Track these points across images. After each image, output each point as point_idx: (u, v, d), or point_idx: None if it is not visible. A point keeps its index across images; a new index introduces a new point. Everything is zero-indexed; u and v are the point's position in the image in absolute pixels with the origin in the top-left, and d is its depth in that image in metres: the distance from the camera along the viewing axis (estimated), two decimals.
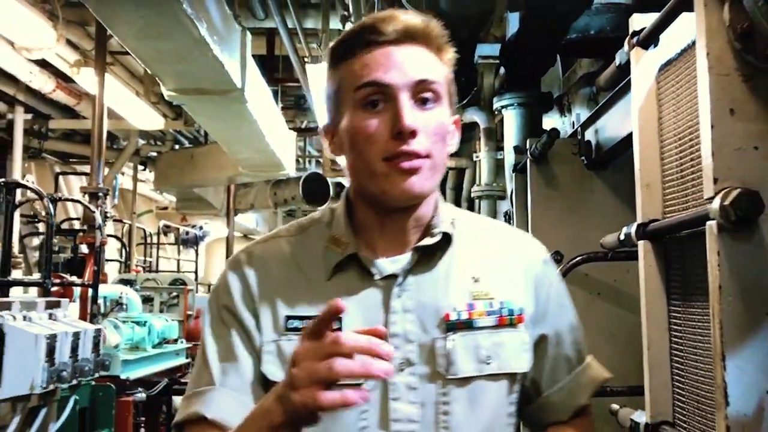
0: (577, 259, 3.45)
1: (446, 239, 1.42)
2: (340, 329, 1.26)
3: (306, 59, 5.97)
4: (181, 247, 15.21)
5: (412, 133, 1.30)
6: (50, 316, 3.15)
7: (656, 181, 2.48)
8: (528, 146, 4.43)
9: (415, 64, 1.34)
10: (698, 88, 2.05)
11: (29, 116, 8.08)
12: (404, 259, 1.40)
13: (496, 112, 5.93)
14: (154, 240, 13.83)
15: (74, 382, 3.11)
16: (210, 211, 11.33)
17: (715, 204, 1.90)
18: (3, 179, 4.28)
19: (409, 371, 1.34)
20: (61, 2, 5.55)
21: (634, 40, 2.58)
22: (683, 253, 2.33)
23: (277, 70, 7.65)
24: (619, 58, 2.82)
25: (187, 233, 15.94)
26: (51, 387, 2.95)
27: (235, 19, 4.92)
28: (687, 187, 2.26)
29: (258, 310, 1.38)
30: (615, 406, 2.86)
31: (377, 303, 1.37)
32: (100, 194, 5.19)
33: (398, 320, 1.36)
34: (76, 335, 3.15)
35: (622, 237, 2.72)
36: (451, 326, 1.36)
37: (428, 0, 4.48)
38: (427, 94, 1.34)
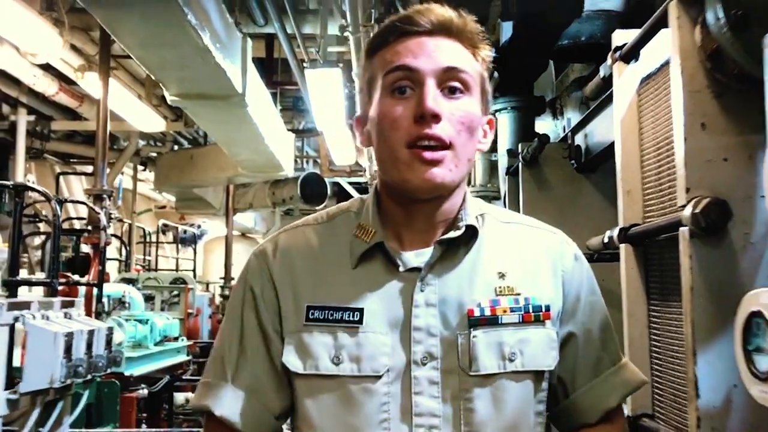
0: None
1: (471, 233, 1.40)
2: (360, 321, 1.32)
3: (304, 63, 6.10)
4: (179, 245, 15.36)
5: (435, 117, 1.28)
6: (66, 315, 3.31)
7: (637, 188, 2.63)
8: (520, 150, 4.58)
9: (445, 53, 1.33)
10: (672, 103, 2.20)
11: (32, 118, 8.21)
12: (428, 252, 1.37)
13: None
14: (153, 239, 13.98)
15: (89, 377, 3.27)
16: (209, 210, 11.47)
17: (687, 212, 2.05)
18: (11, 182, 4.43)
19: (431, 365, 1.32)
20: (66, 8, 5.70)
21: (617, 54, 2.73)
22: (661, 256, 2.48)
23: (276, 73, 7.79)
24: (603, 71, 2.97)
25: (185, 232, 16.07)
26: (68, 381, 3.12)
27: (236, 25, 5.07)
28: (665, 195, 2.40)
29: (280, 301, 1.38)
30: None
31: (401, 295, 1.35)
32: (105, 196, 5.35)
33: (421, 314, 1.34)
34: (91, 333, 3.32)
35: (605, 240, 2.87)
36: (473, 322, 1.34)
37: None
38: (456, 83, 1.33)
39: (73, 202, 5.39)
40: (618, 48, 2.73)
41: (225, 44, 4.58)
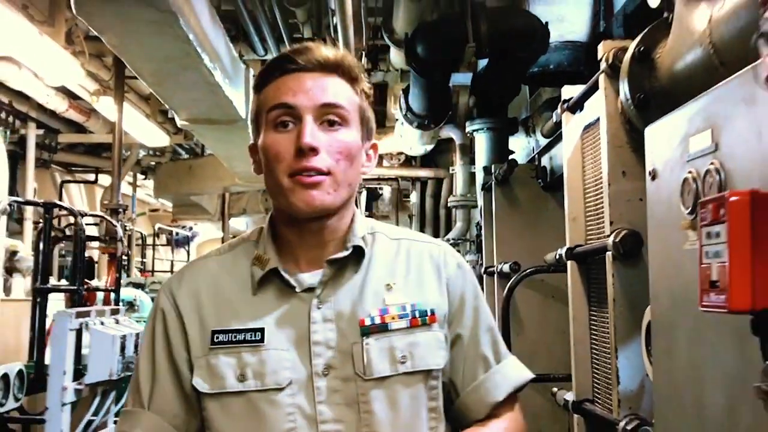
0: (527, 270, 4.20)
1: (358, 252, 1.48)
2: (262, 340, 1.41)
3: None
4: (172, 248, 15.90)
5: (313, 150, 1.37)
6: (116, 320, 3.90)
7: (580, 216, 3.23)
8: (493, 170, 5.17)
9: (323, 89, 1.41)
10: (601, 154, 2.81)
11: (40, 131, 8.74)
12: (321, 272, 1.45)
13: (468, 135, 6.67)
14: (149, 242, 14.51)
15: None
16: (204, 215, 12.02)
17: (610, 240, 2.66)
18: (42, 200, 5.00)
19: (332, 375, 1.41)
20: (81, 35, 6.21)
21: (565, 105, 3.34)
22: (598, 272, 3.07)
23: None
24: (555, 117, 3.58)
25: (177, 234, 16.60)
26: (122, 375, 3.71)
27: (240, 58, 5.64)
28: (600, 223, 2.99)
29: (187, 329, 1.45)
30: (555, 389, 3.61)
31: (299, 314, 1.43)
32: (120, 210, 5.91)
33: (319, 329, 1.42)
34: (137, 335, 3.91)
35: (557, 256, 3.48)
36: (365, 331, 1.42)
37: (407, 45, 5.15)
38: (333, 117, 1.41)
39: (93, 215, 5.92)
40: (566, 101, 3.33)
41: (231, 77, 5.15)
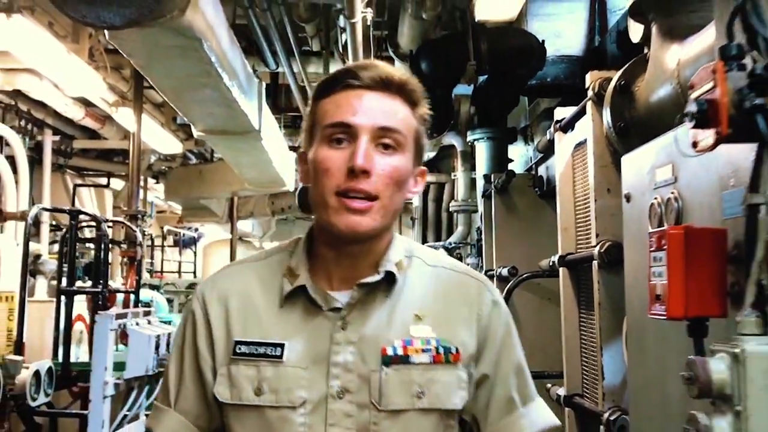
0: (524, 275, 4.52)
1: (390, 277, 1.45)
2: (281, 356, 1.41)
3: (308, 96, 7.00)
4: (179, 249, 16.25)
5: (365, 173, 1.35)
6: (148, 321, 4.24)
7: (571, 227, 3.55)
8: (493, 180, 5.48)
9: (382, 110, 1.40)
10: (588, 173, 3.13)
11: (56, 138, 9.06)
12: (350, 294, 1.43)
13: (469, 144, 6.99)
14: (157, 243, 14.84)
15: None
16: (212, 218, 12.34)
17: (596, 251, 2.97)
18: (68, 208, 5.30)
19: (347, 399, 1.39)
20: (102, 50, 6.52)
21: (558, 125, 3.66)
22: (587, 278, 3.39)
23: (281, 100, 8.66)
24: (548, 135, 3.90)
25: (184, 235, 16.94)
26: (157, 371, 4.04)
27: (253, 72, 5.96)
28: (588, 233, 3.31)
29: (214, 337, 1.46)
30: (549, 385, 3.92)
31: (323, 333, 1.41)
32: (139, 216, 6.23)
33: (340, 351, 1.40)
34: (169, 334, 4.23)
35: (550, 263, 3.80)
36: (386, 360, 1.39)
37: (412, 61, 5.46)
38: (389, 141, 1.39)
39: (114, 221, 6.24)
40: (558, 121, 3.65)
41: (246, 91, 5.45)
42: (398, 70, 1.45)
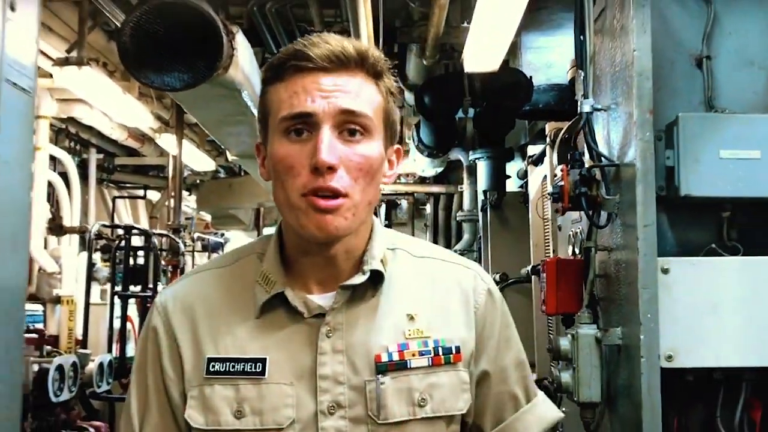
0: (510, 281, 5.36)
1: (376, 276, 1.32)
2: (263, 372, 1.25)
3: None
4: (208, 254, 17.18)
5: (330, 169, 1.21)
6: None
7: (540, 242, 4.39)
8: (488, 197, 6.32)
9: (344, 92, 1.24)
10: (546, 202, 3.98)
11: (101, 156, 10.01)
12: (333, 297, 1.30)
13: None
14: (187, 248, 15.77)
15: None
16: (240, 226, 13.32)
17: None
18: (123, 224, 6.21)
19: (339, 414, 1.25)
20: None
21: (530, 159, 4.50)
22: None
23: None
24: (524, 166, 4.75)
25: (210, 240, 17.88)
26: None
27: None
28: (548, 250, 4.14)
29: (182, 355, 1.30)
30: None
31: (306, 343, 1.28)
32: (181, 228, 7.14)
33: (327, 361, 1.26)
34: None
35: (525, 272, 4.64)
36: (381, 368, 1.27)
37: (416, 95, 6.30)
38: (354, 126, 1.25)
39: (159, 235, 7.16)
40: (530, 156, 4.50)
41: None
42: (353, 41, 1.29)
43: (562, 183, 2.04)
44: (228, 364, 1.27)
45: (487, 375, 1.37)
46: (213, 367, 1.27)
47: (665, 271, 1.92)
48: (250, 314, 1.30)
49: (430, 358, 1.30)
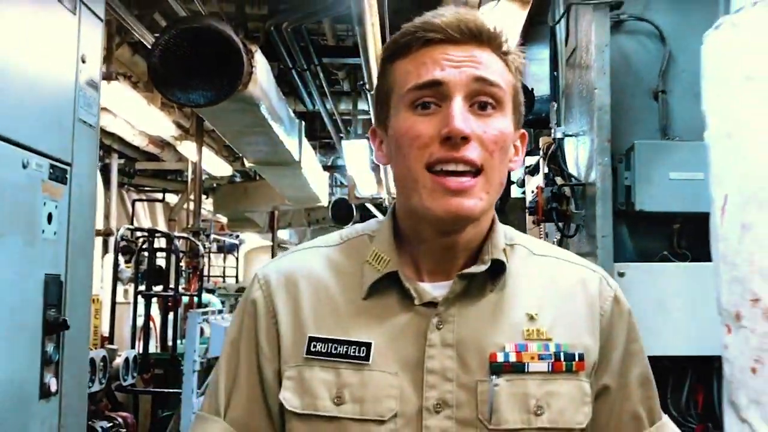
0: None
1: (498, 267, 1.21)
2: (367, 358, 1.17)
3: (341, 134, 8.26)
4: (224, 255, 17.59)
5: (464, 139, 1.10)
6: (222, 317, 5.51)
7: None
8: None
9: (474, 63, 1.14)
10: None
11: (122, 161, 10.41)
12: (448, 285, 1.19)
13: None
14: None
15: None
16: (255, 228, 13.71)
17: None
18: (146, 228, 6.58)
19: (445, 414, 1.14)
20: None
21: (527, 169, 4.85)
22: None
23: (316, 128, 9.92)
24: (521, 175, 5.10)
25: (225, 242, 18.29)
26: None
27: (294, 113, 7.23)
28: None
29: (281, 332, 1.22)
30: None
31: (414, 332, 1.17)
32: (200, 231, 7.51)
33: (436, 354, 1.16)
34: None
35: None
36: (496, 368, 1.15)
37: None
38: (487, 98, 1.14)
39: (180, 238, 7.54)
40: (528, 167, 4.85)
41: (289, 131, 6.72)
42: (482, 16, 1.21)
43: (537, 199, 2.39)
44: (330, 345, 1.18)
45: (608, 390, 1.25)
46: (314, 346, 1.19)
47: (621, 275, 2.28)
48: (357, 295, 1.22)
49: (550, 363, 1.17)
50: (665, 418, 1.31)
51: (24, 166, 2.29)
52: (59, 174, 2.50)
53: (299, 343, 1.20)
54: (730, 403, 1.57)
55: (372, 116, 1.40)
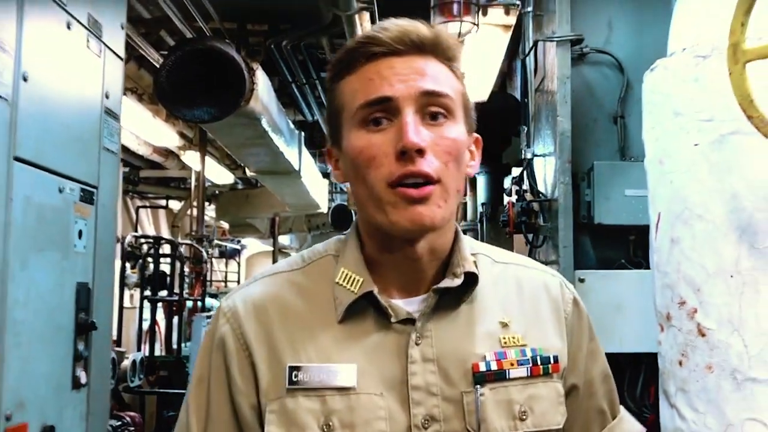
0: None
1: (470, 279, 1.21)
2: (352, 382, 1.14)
3: None
4: (225, 260, 17.90)
5: (419, 152, 1.10)
6: None
7: (523, 251, 5.01)
8: (484, 210, 7.00)
9: (421, 74, 1.14)
10: None
11: (126, 169, 10.70)
12: (422, 300, 1.19)
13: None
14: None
15: None
16: (256, 234, 14.03)
17: None
18: (152, 236, 6.87)
19: (434, 429, 1.14)
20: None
21: (513, 180, 5.13)
22: None
23: (314, 138, 10.21)
24: (509, 185, 5.39)
25: (227, 247, 18.58)
26: None
27: (294, 124, 7.52)
28: None
29: (256, 366, 1.17)
30: None
31: (394, 351, 1.16)
32: (204, 238, 7.80)
33: (418, 371, 1.15)
34: None
35: None
36: (479, 378, 1.16)
37: None
38: (437, 108, 1.14)
39: (184, 244, 7.84)
40: (514, 177, 5.13)
41: (289, 141, 7.01)
42: (425, 25, 1.20)
43: (509, 212, 2.68)
44: (312, 372, 1.15)
45: (576, 389, 1.29)
46: (296, 376, 1.15)
47: (581, 281, 2.57)
48: (331, 318, 1.19)
49: (528, 368, 1.20)
50: (622, 409, 1.38)
51: (60, 191, 2.67)
52: (88, 196, 2.88)
53: (278, 374, 1.16)
54: (663, 391, 1.87)
55: (329, 135, 1.32)
